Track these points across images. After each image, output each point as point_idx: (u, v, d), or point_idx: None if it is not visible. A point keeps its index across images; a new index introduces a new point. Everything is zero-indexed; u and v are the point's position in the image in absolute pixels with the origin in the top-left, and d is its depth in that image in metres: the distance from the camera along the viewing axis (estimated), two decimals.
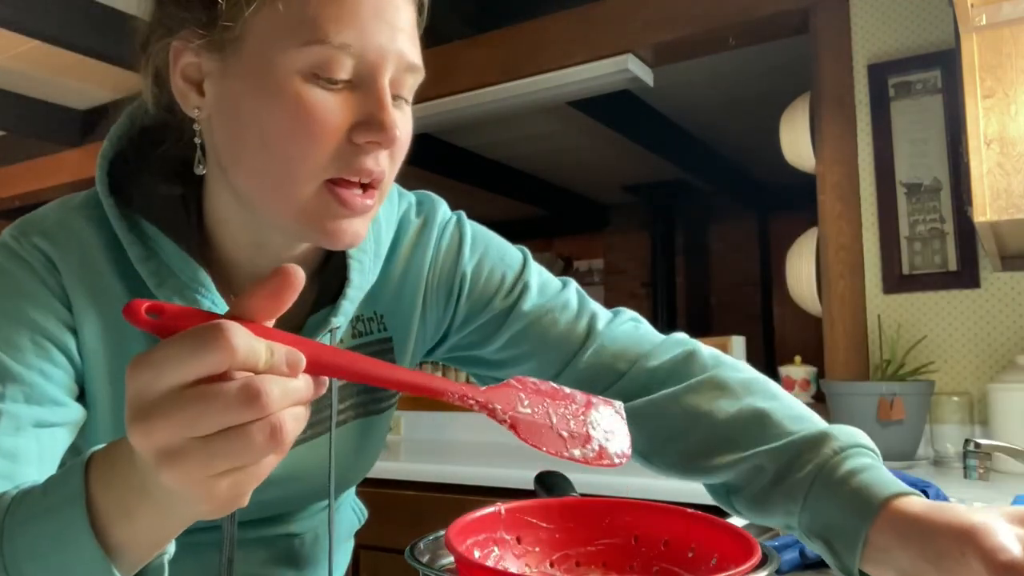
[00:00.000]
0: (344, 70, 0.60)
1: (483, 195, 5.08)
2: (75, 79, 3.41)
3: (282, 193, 0.62)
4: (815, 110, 2.18)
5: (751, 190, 5.36)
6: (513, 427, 0.50)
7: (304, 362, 0.39)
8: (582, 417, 0.54)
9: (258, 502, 0.64)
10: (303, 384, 0.39)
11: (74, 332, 0.65)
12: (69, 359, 0.65)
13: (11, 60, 3.21)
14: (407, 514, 0.84)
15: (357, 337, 0.76)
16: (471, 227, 0.84)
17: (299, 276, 0.39)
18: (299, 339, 0.41)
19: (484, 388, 0.50)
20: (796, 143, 2.24)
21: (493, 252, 0.83)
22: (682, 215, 5.91)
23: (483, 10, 2.69)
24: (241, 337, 0.36)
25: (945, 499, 0.71)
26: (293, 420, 0.38)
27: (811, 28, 2.19)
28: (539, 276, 0.83)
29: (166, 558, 0.50)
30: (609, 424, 0.55)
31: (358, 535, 0.96)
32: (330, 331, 0.71)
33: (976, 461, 0.99)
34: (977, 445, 1.00)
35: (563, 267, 6.68)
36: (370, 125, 0.61)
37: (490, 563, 0.54)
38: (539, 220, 6.28)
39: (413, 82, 0.65)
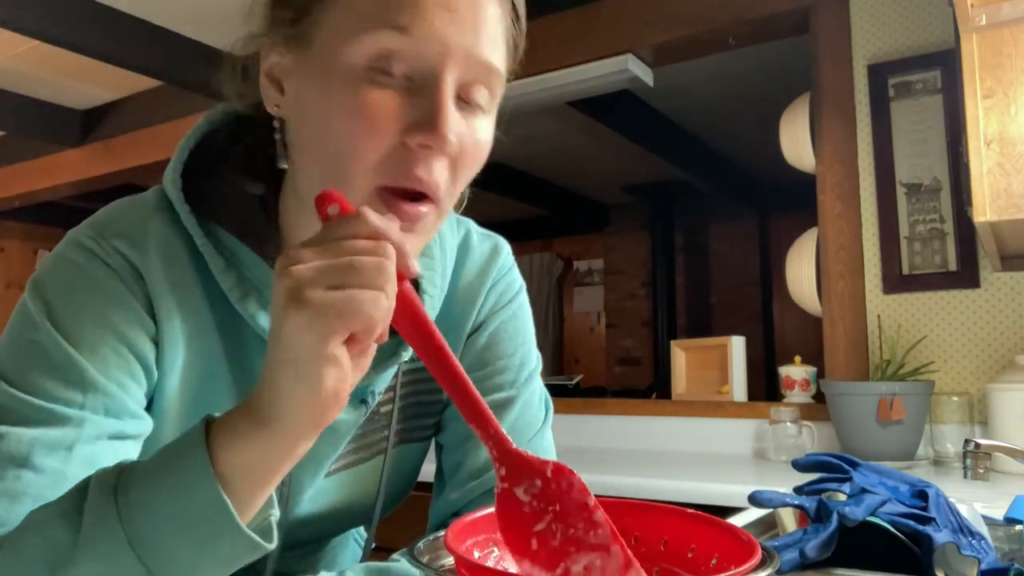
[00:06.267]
0: (402, 63, 0.56)
1: (483, 195, 5.07)
2: (75, 79, 3.41)
3: None
4: (815, 110, 2.17)
5: (751, 190, 5.36)
6: (499, 496, 0.51)
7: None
8: (571, 549, 0.50)
9: (300, 530, 0.68)
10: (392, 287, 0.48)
11: (155, 344, 0.63)
12: (146, 372, 0.62)
13: (11, 60, 3.21)
14: (408, 514, 0.84)
15: (413, 361, 0.74)
16: (524, 286, 0.82)
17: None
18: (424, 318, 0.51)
19: (517, 449, 0.51)
20: (796, 143, 2.24)
21: (522, 330, 0.80)
22: (682, 215, 5.91)
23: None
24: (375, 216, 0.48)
25: (945, 499, 0.71)
26: (374, 304, 0.46)
27: (811, 28, 2.19)
28: (530, 397, 0.78)
29: (273, 518, 0.52)
30: None
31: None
32: (399, 364, 0.70)
33: (976, 461, 0.99)
34: (977, 445, 1.00)
35: (563, 267, 6.68)
36: (422, 126, 0.56)
37: (490, 564, 0.54)
38: (539, 220, 6.28)
39: (491, 88, 0.60)
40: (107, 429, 0.58)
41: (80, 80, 3.42)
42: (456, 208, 0.73)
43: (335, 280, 0.46)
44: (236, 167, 0.67)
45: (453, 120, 0.56)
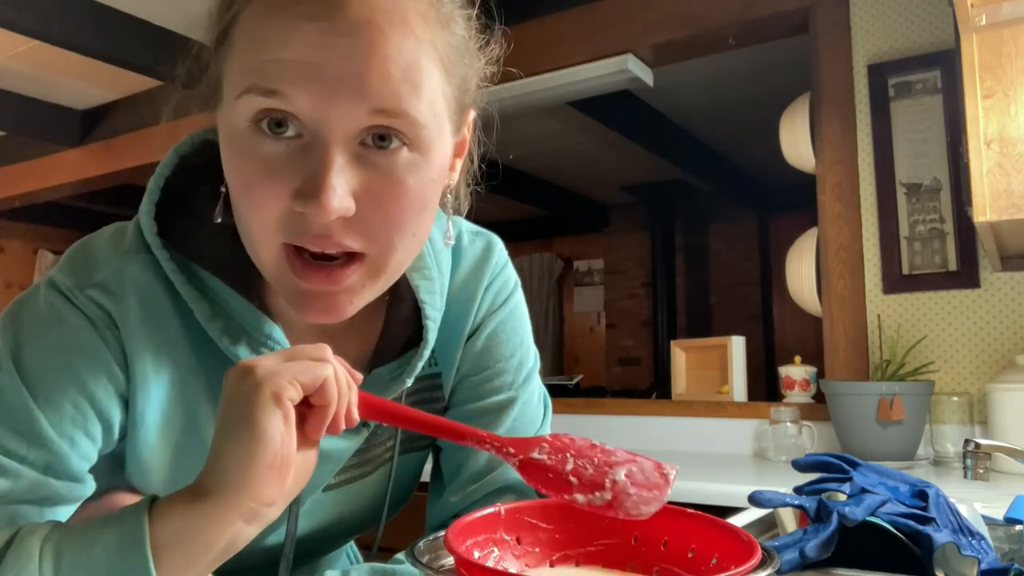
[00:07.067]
0: (288, 122, 0.53)
1: (483, 195, 5.07)
2: (75, 79, 3.41)
3: (253, 253, 0.58)
4: (815, 110, 2.17)
5: (751, 190, 5.36)
6: (520, 468, 0.56)
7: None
8: (605, 468, 0.54)
9: (310, 536, 0.70)
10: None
11: (125, 401, 0.61)
12: (105, 430, 0.60)
13: (11, 60, 3.21)
14: (408, 514, 0.84)
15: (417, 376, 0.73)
16: (519, 283, 0.80)
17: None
18: (368, 397, 0.56)
19: (509, 437, 0.57)
20: (796, 143, 2.24)
21: (519, 330, 0.78)
22: (682, 215, 5.91)
23: (482, 10, 2.70)
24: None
25: (945, 499, 0.71)
26: (320, 366, 0.52)
27: (811, 28, 2.19)
28: (529, 396, 0.77)
29: None
30: (645, 480, 0.54)
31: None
32: (402, 391, 0.69)
33: (976, 461, 0.99)
34: (977, 445, 1.00)
35: (563, 267, 6.68)
36: (305, 194, 0.52)
37: (490, 564, 0.54)
38: (539, 220, 6.29)
39: (403, 130, 0.54)
40: (40, 491, 0.56)
41: (80, 80, 3.42)
42: (452, 210, 0.72)
43: (283, 360, 0.51)
44: (207, 202, 0.64)
45: (338, 186, 0.52)
